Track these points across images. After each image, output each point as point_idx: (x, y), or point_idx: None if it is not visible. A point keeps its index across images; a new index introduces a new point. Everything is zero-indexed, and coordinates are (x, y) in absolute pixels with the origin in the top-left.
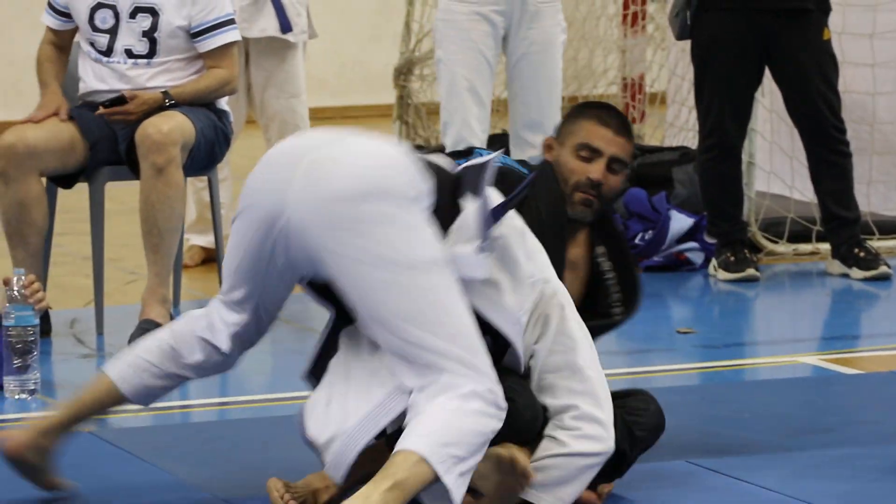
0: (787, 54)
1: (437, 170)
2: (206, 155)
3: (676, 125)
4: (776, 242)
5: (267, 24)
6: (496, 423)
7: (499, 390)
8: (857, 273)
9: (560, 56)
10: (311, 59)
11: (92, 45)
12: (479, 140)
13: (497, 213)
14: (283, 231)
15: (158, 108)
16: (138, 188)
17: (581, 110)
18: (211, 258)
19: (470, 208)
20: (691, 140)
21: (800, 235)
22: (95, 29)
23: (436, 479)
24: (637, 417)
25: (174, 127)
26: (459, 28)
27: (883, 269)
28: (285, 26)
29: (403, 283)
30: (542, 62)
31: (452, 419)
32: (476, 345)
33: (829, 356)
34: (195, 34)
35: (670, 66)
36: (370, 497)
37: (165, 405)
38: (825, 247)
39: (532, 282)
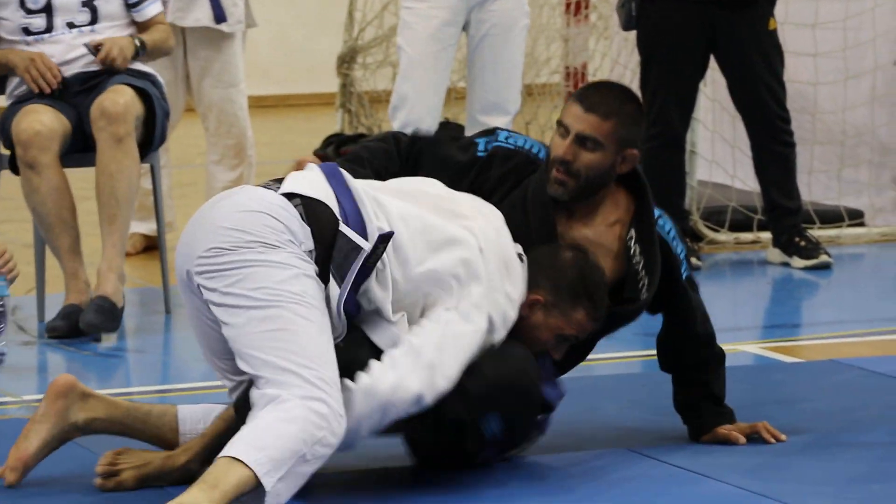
0: (732, 44)
1: (317, 218)
2: (162, 128)
3: None
4: (717, 231)
5: (201, 14)
6: (322, 433)
7: (333, 401)
8: (797, 262)
9: (522, 40)
10: (255, 48)
11: (25, 30)
12: (428, 125)
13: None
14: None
15: (133, 53)
16: (78, 176)
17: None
18: (152, 246)
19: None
20: None
21: (741, 224)
22: (29, 11)
23: (257, 482)
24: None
25: (129, 101)
26: (421, 16)
27: (823, 258)
28: (219, 16)
29: (252, 319)
30: (504, 44)
31: (271, 425)
32: (318, 360)
33: (770, 344)
34: (133, 4)
35: (613, 55)
36: (196, 498)
37: (105, 392)
38: (766, 236)
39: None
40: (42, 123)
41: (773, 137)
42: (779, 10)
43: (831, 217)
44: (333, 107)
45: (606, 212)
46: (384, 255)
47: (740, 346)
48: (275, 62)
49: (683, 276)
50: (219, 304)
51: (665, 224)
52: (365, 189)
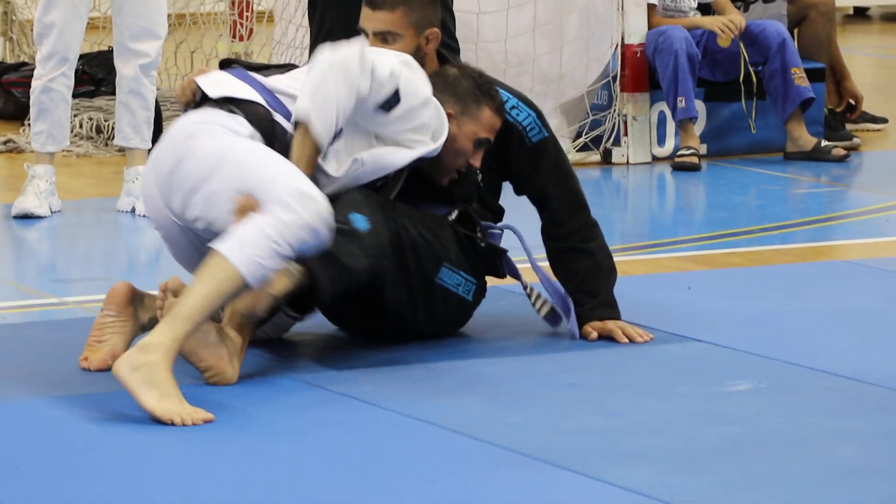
0: None
1: (254, 115)
2: None
3: (284, 43)
4: None
5: None
6: (295, 216)
7: (304, 193)
8: None
9: None
10: None
11: None
12: (74, 54)
13: None
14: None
15: None
16: None
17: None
18: None
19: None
20: (298, 57)
21: None
22: None
23: (238, 276)
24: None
25: None
26: None
27: None
28: None
29: (219, 168)
30: None
31: (248, 226)
32: (287, 179)
33: None
34: None
35: None
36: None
37: None
38: None
39: None
40: None
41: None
42: None
43: None
44: None
45: None
46: None
47: None
48: None
49: (534, 140)
50: (184, 198)
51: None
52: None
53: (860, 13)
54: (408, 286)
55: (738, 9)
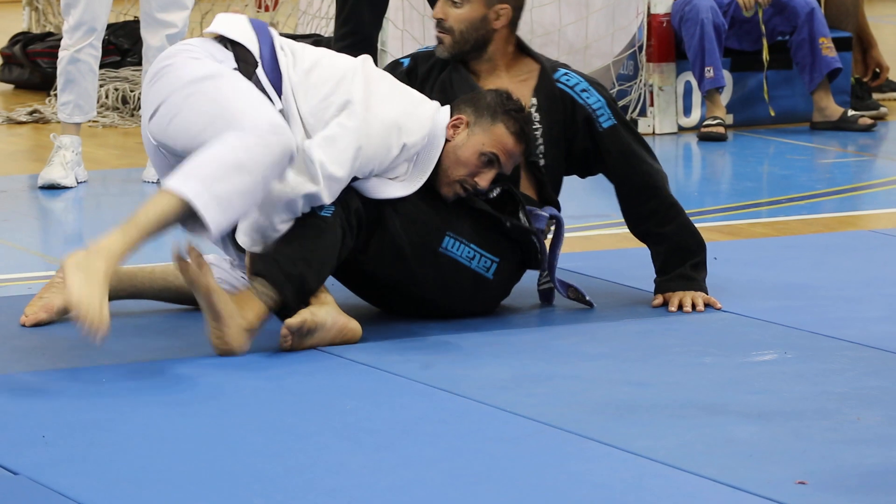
0: None
1: (241, 58)
2: None
3: (310, 13)
4: None
5: None
6: (258, 138)
7: (267, 120)
8: None
9: None
10: None
11: None
12: (102, 24)
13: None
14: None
15: None
16: None
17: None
18: None
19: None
20: (324, 28)
21: None
22: None
23: (185, 203)
24: None
25: None
26: None
27: None
28: None
29: (184, 98)
30: None
31: (205, 154)
32: (247, 104)
33: None
34: None
35: None
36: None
37: None
38: None
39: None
40: None
41: None
42: None
43: None
44: (20, 4)
45: (514, 72)
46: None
47: None
48: None
49: (605, 126)
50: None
51: (570, 79)
52: (284, 41)
53: None
54: (398, 253)
55: None
